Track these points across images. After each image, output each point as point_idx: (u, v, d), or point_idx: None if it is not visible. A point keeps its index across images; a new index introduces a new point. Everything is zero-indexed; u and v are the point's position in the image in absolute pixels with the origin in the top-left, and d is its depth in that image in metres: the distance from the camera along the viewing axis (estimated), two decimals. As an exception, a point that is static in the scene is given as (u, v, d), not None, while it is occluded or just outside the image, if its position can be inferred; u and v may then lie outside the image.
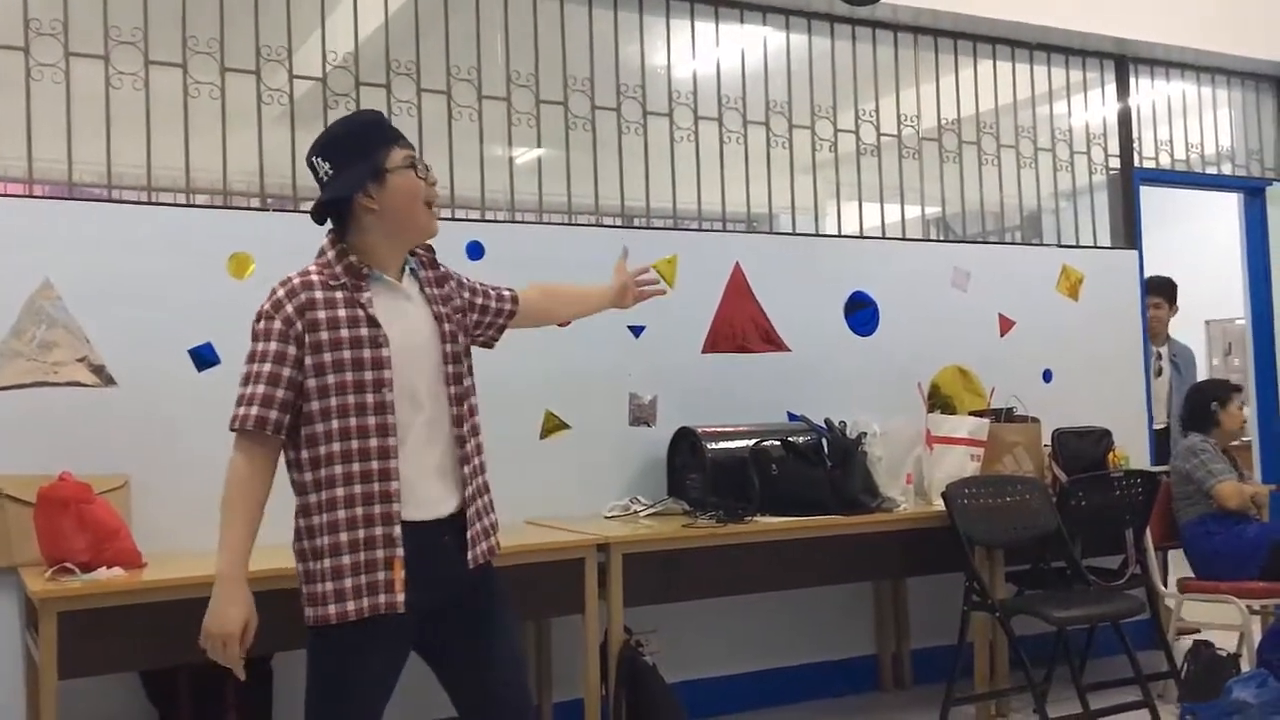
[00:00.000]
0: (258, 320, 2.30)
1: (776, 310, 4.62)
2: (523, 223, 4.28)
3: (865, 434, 4.26)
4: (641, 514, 4.05)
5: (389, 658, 2.36)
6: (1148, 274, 5.62)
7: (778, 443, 4.14)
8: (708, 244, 4.54)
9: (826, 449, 4.22)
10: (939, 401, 4.84)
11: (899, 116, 5.06)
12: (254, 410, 2.25)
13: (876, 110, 5.00)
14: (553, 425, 4.18)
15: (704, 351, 4.48)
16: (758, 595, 4.28)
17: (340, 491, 2.26)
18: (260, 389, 2.25)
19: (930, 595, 4.67)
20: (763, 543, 3.87)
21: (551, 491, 4.10)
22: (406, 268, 2.43)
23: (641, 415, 4.35)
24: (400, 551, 2.28)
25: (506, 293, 2.72)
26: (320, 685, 2.34)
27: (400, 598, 2.28)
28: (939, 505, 4.18)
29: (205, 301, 3.66)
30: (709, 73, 4.67)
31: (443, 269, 2.53)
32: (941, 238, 5.29)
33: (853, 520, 4.03)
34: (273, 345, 2.27)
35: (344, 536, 2.26)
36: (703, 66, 4.66)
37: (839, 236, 4.89)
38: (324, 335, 2.27)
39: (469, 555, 2.39)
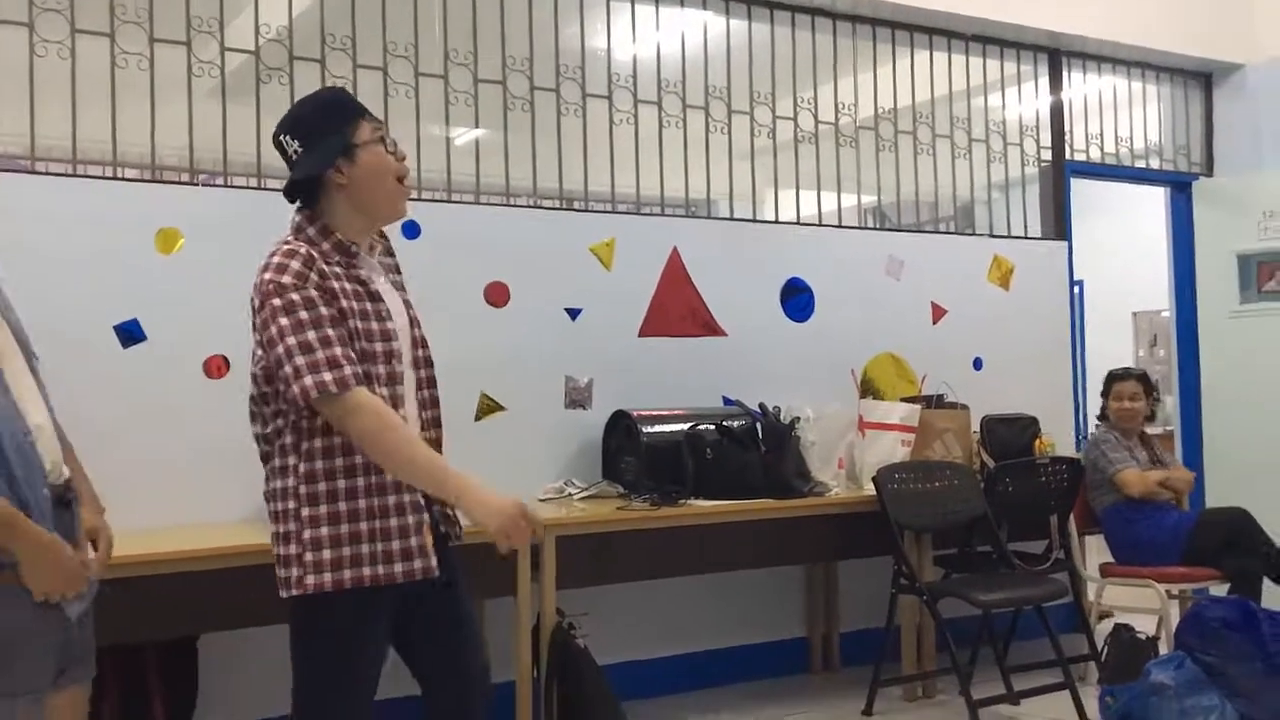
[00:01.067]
0: (285, 292, 2.21)
1: (713, 295, 4.63)
2: (460, 203, 4.24)
3: (799, 419, 4.30)
4: (575, 496, 4.05)
5: (385, 629, 2.34)
6: (1077, 265, 5.73)
7: (712, 427, 4.17)
8: (646, 228, 4.54)
9: (760, 433, 4.24)
10: (871, 388, 4.90)
11: (837, 105, 5.09)
12: (349, 368, 2.20)
13: (815, 98, 5.03)
14: (487, 407, 4.16)
15: (640, 335, 4.48)
16: (691, 578, 4.31)
17: (360, 458, 2.24)
18: (338, 350, 2.20)
19: (860, 578, 4.73)
20: (696, 526, 3.90)
21: (485, 473, 3.94)
22: (374, 251, 2.43)
23: (577, 398, 4.34)
24: (427, 517, 2.31)
25: None
26: (321, 662, 2.29)
27: (434, 562, 2.31)
28: (870, 490, 4.23)
29: (132, 277, 3.58)
30: (649, 56, 4.66)
31: (397, 259, 2.54)
32: (877, 226, 5.34)
33: (785, 504, 4.07)
34: (322, 310, 2.22)
35: (363, 503, 2.25)
36: (643, 50, 4.65)
37: (776, 223, 4.91)
38: (341, 304, 2.25)
39: (452, 533, 2.47)
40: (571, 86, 4.47)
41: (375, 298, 2.32)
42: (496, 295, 4.19)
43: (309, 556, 2.23)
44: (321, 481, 2.25)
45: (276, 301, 2.21)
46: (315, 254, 2.27)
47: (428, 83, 4.19)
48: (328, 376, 2.18)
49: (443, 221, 4.05)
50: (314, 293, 2.22)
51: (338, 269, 2.28)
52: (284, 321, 2.20)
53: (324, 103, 2.43)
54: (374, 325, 2.29)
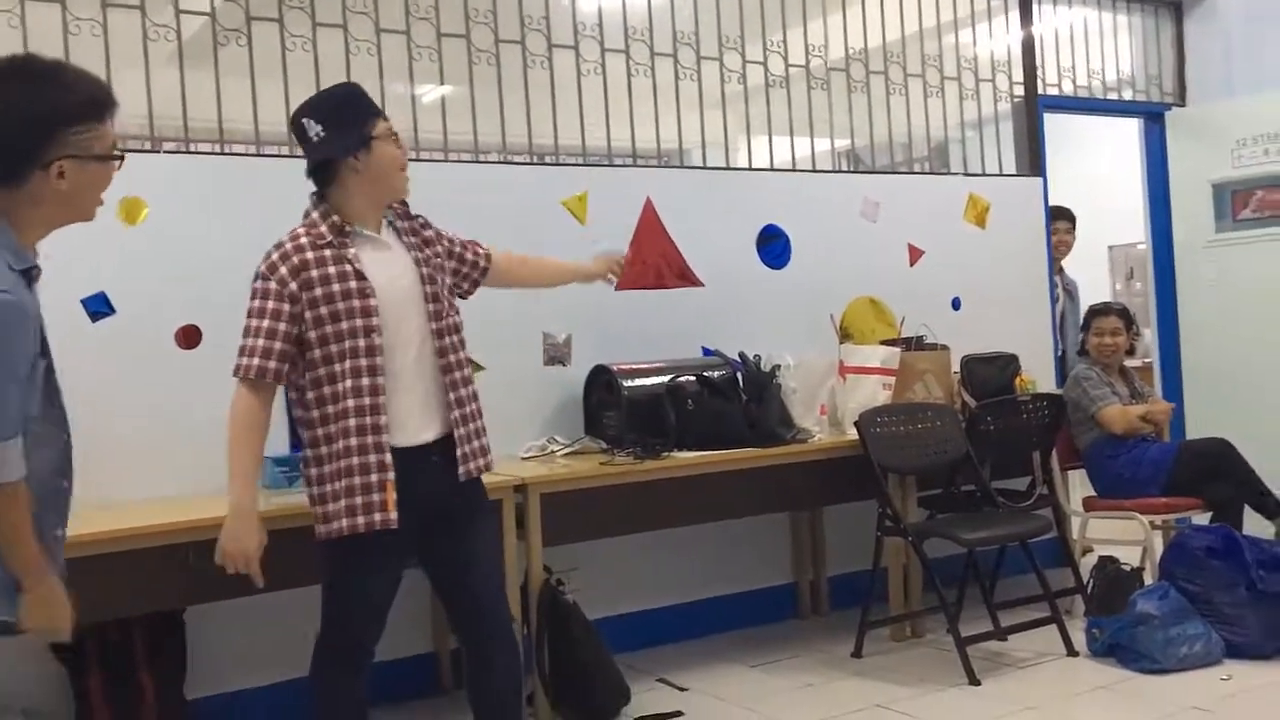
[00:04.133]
0: (255, 280, 2.65)
1: (689, 245, 4.59)
2: (429, 161, 4.17)
3: (779, 366, 4.29)
4: (559, 454, 4.03)
5: (388, 565, 2.73)
6: (1052, 201, 5.71)
7: (693, 378, 4.15)
8: (618, 180, 4.48)
9: (741, 383, 4.23)
10: (851, 332, 4.88)
11: (807, 47, 5.03)
12: (255, 361, 2.62)
13: (784, 41, 4.96)
14: (466, 367, 4.12)
15: (617, 289, 4.43)
16: (677, 530, 4.31)
17: (344, 424, 2.61)
18: (260, 342, 2.61)
19: (846, 523, 4.74)
20: (680, 478, 3.89)
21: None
22: (385, 221, 2.78)
23: (556, 354, 4.31)
24: (391, 475, 2.63)
25: (482, 250, 3.09)
26: (333, 592, 2.73)
27: (394, 515, 2.63)
28: (852, 434, 4.23)
29: (97, 250, 3.51)
30: (614, 4, 4.57)
31: (420, 219, 2.88)
32: (851, 169, 5.30)
33: (769, 452, 4.07)
34: (270, 303, 2.62)
35: (347, 462, 2.62)
36: (608, -2, 4.57)
37: (750, 170, 4.87)
38: (318, 291, 2.61)
39: (459, 470, 2.73)
40: (537, 38, 4.39)
41: (360, 276, 2.64)
42: (470, 253, 4.13)
43: (317, 509, 2.68)
44: (308, 448, 2.70)
45: (254, 285, 2.66)
46: (305, 241, 2.64)
47: (390, 39, 4.10)
48: (243, 360, 2.64)
49: (411, 181, 3.97)
50: (274, 285, 2.62)
51: (327, 252, 2.64)
52: (249, 305, 2.66)
53: (348, 95, 2.80)
54: (355, 303, 2.62)
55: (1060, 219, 5.84)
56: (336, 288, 2.62)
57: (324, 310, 2.61)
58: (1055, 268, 5.85)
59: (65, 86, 1.88)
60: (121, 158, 1.97)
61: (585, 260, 3.57)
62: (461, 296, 3.01)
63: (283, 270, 2.62)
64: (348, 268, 2.64)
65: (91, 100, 1.90)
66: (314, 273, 2.62)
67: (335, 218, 2.67)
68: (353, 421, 2.61)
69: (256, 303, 2.63)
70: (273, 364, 2.62)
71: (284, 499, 3.33)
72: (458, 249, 3.01)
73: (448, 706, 3.87)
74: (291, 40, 3.91)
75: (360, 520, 2.61)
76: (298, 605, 3.29)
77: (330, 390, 2.63)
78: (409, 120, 4.15)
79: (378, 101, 3.94)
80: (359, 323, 2.62)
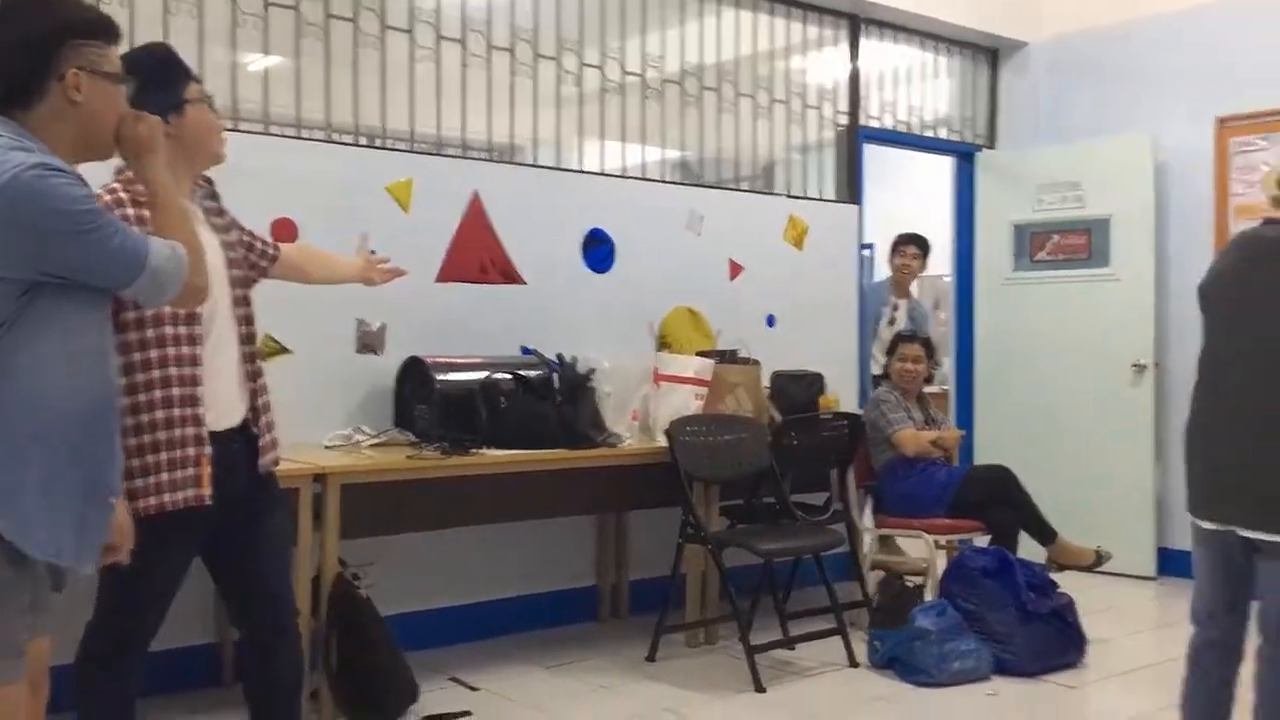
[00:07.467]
0: None
1: (514, 242, 4.57)
2: (247, 133, 4.02)
3: (595, 370, 4.30)
4: (364, 444, 3.94)
5: (190, 547, 2.61)
6: (866, 228, 5.94)
7: (508, 376, 4.13)
8: (446, 170, 4.42)
9: (557, 384, 4.23)
10: (668, 341, 4.95)
11: (644, 57, 5.08)
12: None
13: (623, 49, 5.00)
14: (271, 349, 3.98)
15: (438, 280, 4.38)
16: (482, 528, 4.28)
17: (157, 394, 2.46)
18: None
19: (650, 528, 4.80)
20: (488, 475, 3.87)
21: (268, 418, 3.90)
22: (195, 195, 2.62)
23: (369, 342, 4.22)
24: (209, 450, 2.51)
25: (270, 241, 3.00)
26: (121, 573, 2.43)
27: (208, 492, 2.50)
28: (662, 441, 4.29)
29: None
30: (454, -8, 4.52)
31: (221, 203, 2.72)
32: (679, 181, 5.38)
33: (578, 454, 4.08)
34: None
35: (159, 436, 2.46)
36: (448, -15, 4.51)
37: (580, 172, 4.88)
38: None
39: (259, 461, 2.65)
40: (370, 17, 4.29)
41: None
42: (283, 231, 3.99)
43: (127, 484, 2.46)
44: (124, 418, 2.44)
45: None
46: (124, 195, 2.45)
47: (213, 2, 3.94)
48: None
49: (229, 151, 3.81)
50: None
51: (146, 211, 2.37)
52: None
53: (158, 58, 2.61)
54: None
55: (910, 244, 6.09)
56: None
57: None
58: (901, 291, 6.09)
59: (72, 5, 2.03)
60: (129, 82, 2.07)
61: (356, 260, 3.38)
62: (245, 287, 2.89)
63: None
64: None
65: (98, 19, 2.03)
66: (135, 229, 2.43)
67: None
68: (174, 391, 2.47)
69: None
70: None
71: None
72: (247, 238, 2.87)
73: (227, 699, 3.72)
74: (106, -8, 3.70)
75: (169, 497, 2.47)
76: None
77: (142, 357, 2.46)
78: (228, 88, 3.98)
79: (195, 66, 3.80)
80: None
